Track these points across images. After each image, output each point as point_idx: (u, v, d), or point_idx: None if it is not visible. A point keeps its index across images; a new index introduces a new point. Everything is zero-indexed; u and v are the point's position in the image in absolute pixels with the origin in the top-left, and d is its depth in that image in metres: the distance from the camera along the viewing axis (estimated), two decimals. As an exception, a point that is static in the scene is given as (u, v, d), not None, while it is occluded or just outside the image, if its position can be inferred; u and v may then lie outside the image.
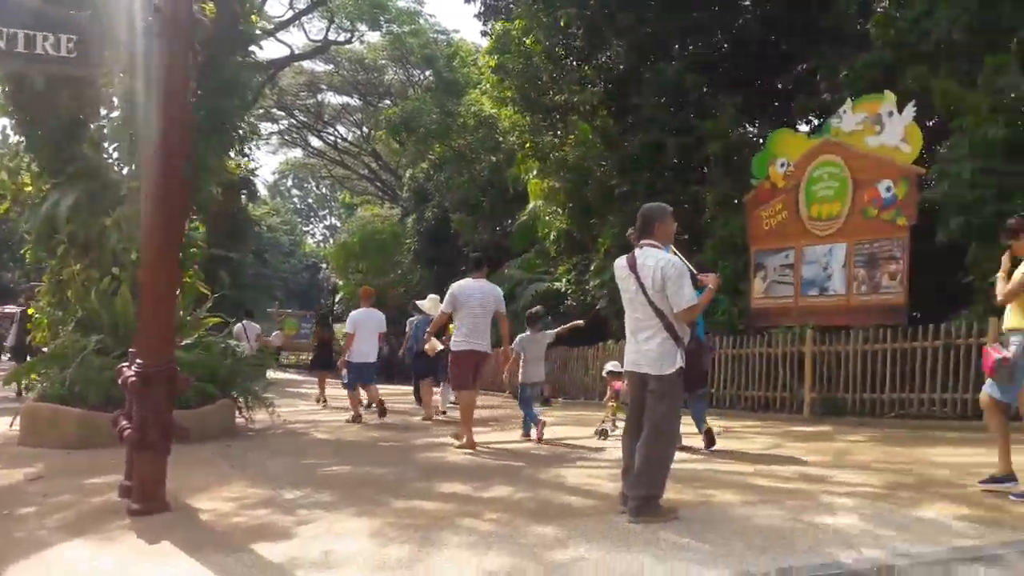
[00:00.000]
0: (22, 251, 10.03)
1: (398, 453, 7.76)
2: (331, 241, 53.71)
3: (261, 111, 39.96)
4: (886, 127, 10.61)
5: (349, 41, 29.32)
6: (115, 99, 9.96)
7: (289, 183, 75.78)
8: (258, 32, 14.34)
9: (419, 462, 7.12)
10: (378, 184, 43.01)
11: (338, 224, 63.55)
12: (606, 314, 15.35)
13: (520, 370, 8.61)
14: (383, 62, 36.38)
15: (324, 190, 70.07)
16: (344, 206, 57.93)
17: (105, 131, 10.05)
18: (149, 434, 4.87)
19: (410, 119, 22.97)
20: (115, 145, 10.13)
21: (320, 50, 28.12)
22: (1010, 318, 5.38)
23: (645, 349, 4.68)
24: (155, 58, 4.96)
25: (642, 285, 4.64)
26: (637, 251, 4.80)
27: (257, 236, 62.73)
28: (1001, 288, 5.28)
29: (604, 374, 9.84)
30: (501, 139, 21.75)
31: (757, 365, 11.84)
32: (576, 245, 16.73)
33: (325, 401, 13.64)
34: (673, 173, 14.31)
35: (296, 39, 32.80)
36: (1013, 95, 9.57)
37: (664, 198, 13.91)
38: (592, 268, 15.71)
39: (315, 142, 44.40)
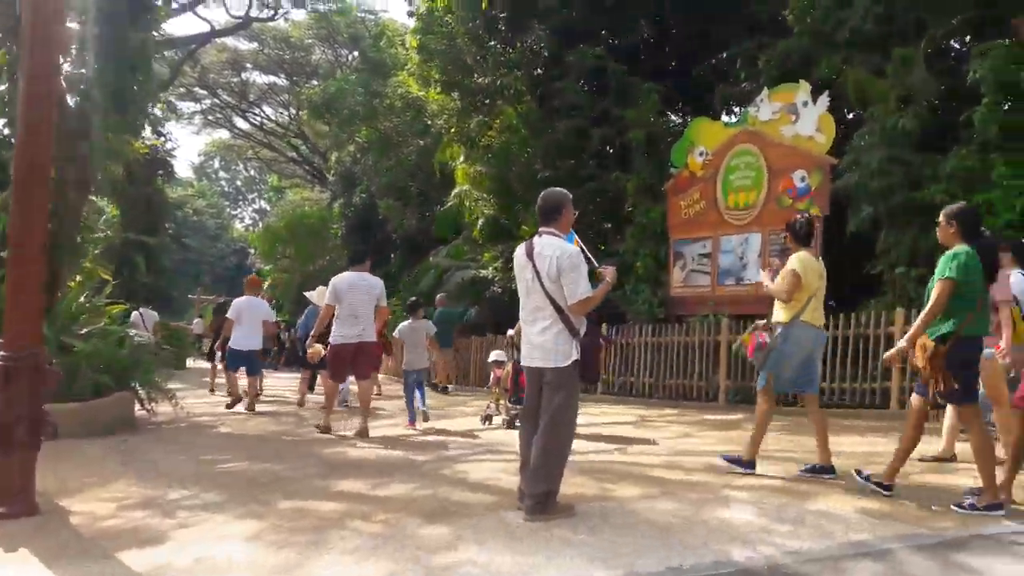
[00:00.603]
0: None
1: (302, 448, 7.50)
2: (260, 225, 52.60)
3: (183, 90, 38.80)
4: (801, 117, 10.73)
5: (272, 18, 28.42)
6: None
7: (216, 165, 73.90)
8: (173, 6, 13.79)
9: (321, 457, 6.88)
10: (307, 167, 42.07)
11: (267, 208, 62.05)
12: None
13: (403, 358, 8.91)
14: (309, 41, 35.52)
15: (253, 172, 68.43)
16: (273, 189, 56.57)
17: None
18: (15, 431, 4.54)
19: (333, 100, 22.38)
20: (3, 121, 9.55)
21: (242, 26, 27.17)
22: (776, 312, 5.73)
23: (540, 341, 4.56)
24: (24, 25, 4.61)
25: (539, 274, 4.51)
26: (536, 239, 4.66)
27: (182, 220, 61.27)
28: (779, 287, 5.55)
29: (489, 361, 10.11)
30: (429, 122, 21.36)
31: (675, 354, 11.90)
32: (503, 231, 16.57)
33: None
34: (596, 160, 14.24)
35: (217, 15, 31.66)
36: (919, 87, 9.76)
37: (587, 185, 14.12)
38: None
39: (241, 123, 43.23)
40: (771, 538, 4.08)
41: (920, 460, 6.01)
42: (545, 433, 4.51)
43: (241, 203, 76.96)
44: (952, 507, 4.64)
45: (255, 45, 36.35)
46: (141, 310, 14.36)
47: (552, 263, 4.44)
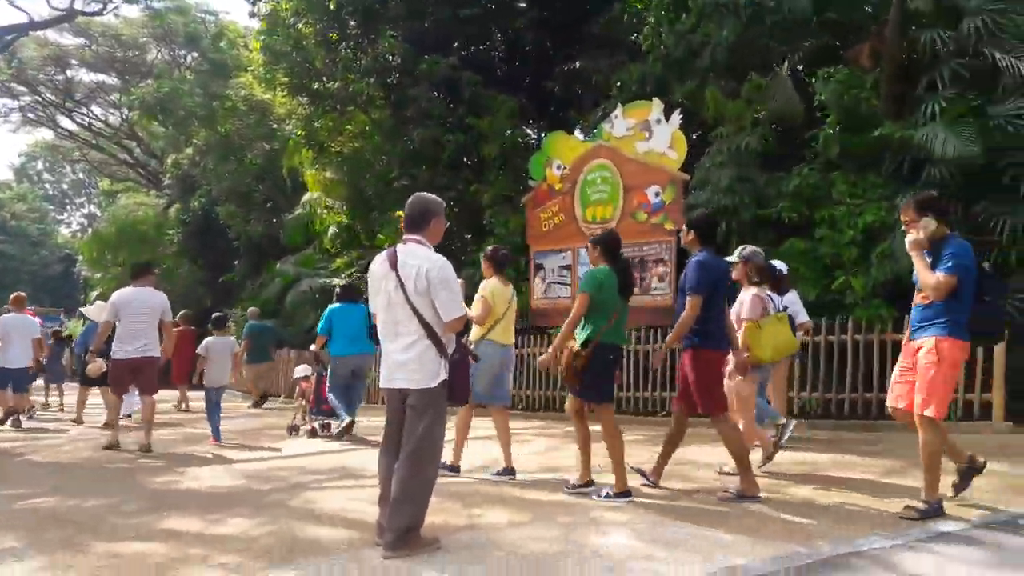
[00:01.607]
0: None
1: (123, 477, 6.69)
2: (89, 232, 48.66)
3: (-1, 84, 35.29)
4: (655, 133, 10.88)
5: (101, 12, 26.28)
6: None
7: (40, 167, 68.07)
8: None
9: (148, 488, 6.16)
10: (140, 170, 39.20)
11: (98, 213, 57.59)
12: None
13: (205, 373, 8.92)
14: (144, 40, 33.20)
15: (81, 176, 63.48)
16: (104, 194, 52.63)
17: None
18: None
19: (167, 100, 20.88)
20: None
21: (65, 19, 24.96)
22: (472, 331, 6.26)
23: (403, 360, 4.17)
24: None
25: (403, 285, 4.13)
26: (399, 247, 4.27)
27: (2, 224, 55.81)
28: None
29: (295, 377, 10.64)
30: (276, 126, 20.42)
31: (528, 366, 11.77)
32: (356, 239, 15.94)
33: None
34: (453, 170, 13.97)
35: (37, 6, 28.88)
36: (764, 111, 10.15)
37: (443, 194, 13.68)
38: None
39: (67, 123, 39.77)
40: (649, 563, 3.87)
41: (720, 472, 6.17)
42: (409, 462, 4.11)
43: (68, 208, 71.29)
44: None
45: (82, 41, 33.59)
46: None
47: (420, 274, 4.08)
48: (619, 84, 11.87)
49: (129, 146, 38.57)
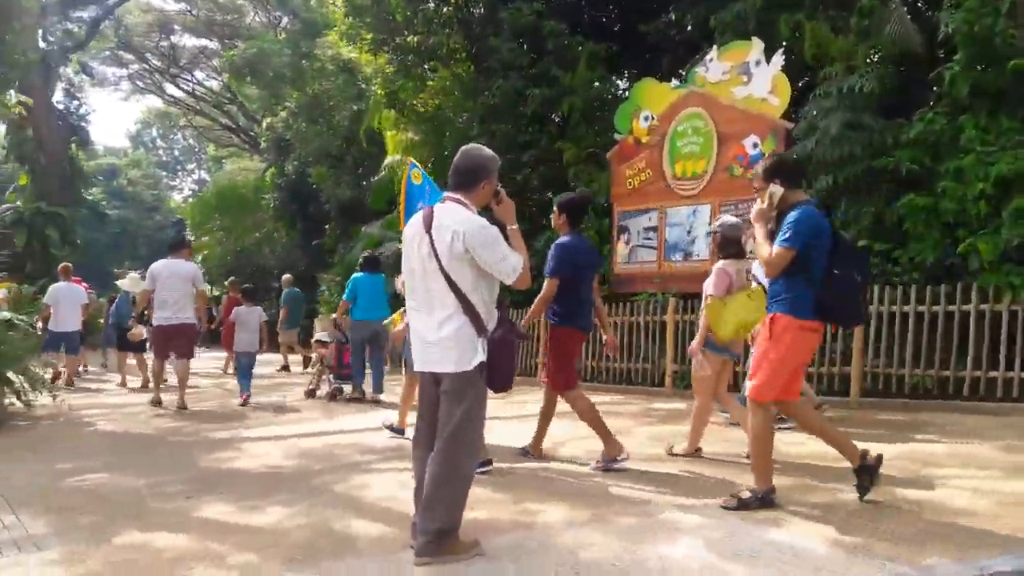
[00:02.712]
0: None
1: (181, 453, 6.42)
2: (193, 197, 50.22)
3: (107, 53, 36.53)
4: (754, 77, 9.83)
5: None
6: None
7: (153, 133, 70.84)
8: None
9: (198, 466, 5.87)
10: (242, 135, 40.04)
11: (207, 178, 59.56)
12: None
13: (236, 340, 9.76)
14: (241, 2, 33.56)
15: (191, 141, 65.70)
16: (212, 159, 54.30)
17: None
18: None
19: (256, 61, 20.78)
20: None
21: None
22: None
23: (437, 338, 3.59)
24: None
25: (436, 251, 3.53)
26: (438, 207, 3.66)
27: (116, 190, 58.58)
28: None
29: (313, 341, 11.05)
30: (364, 86, 20.05)
31: (619, 335, 11.05)
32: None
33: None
34: (536, 125, 13.23)
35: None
36: (881, 48, 8.96)
37: (525, 152, 13.13)
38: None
39: (172, 89, 40.93)
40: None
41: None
42: (442, 456, 3.56)
43: (180, 173, 74.13)
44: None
45: (183, 6, 34.35)
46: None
47: (457, 238, 3.47)
48: (714, 24, 10.77)
49: (231, 111, 39.41)
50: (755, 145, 9.80)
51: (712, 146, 10.27)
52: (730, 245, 5.72)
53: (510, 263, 3.53)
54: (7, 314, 9.62)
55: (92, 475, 5.53)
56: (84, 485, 5.25)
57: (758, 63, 9.78)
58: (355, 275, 9.61)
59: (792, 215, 4.14)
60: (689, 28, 11.89)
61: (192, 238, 36.19)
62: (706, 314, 5.47)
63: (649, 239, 11.13)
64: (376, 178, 16.91)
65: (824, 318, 4.23)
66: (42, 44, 21.68)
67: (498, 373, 3.64)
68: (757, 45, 9.82)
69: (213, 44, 36.45)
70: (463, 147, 3.83)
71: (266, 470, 5.70)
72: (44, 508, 4.61)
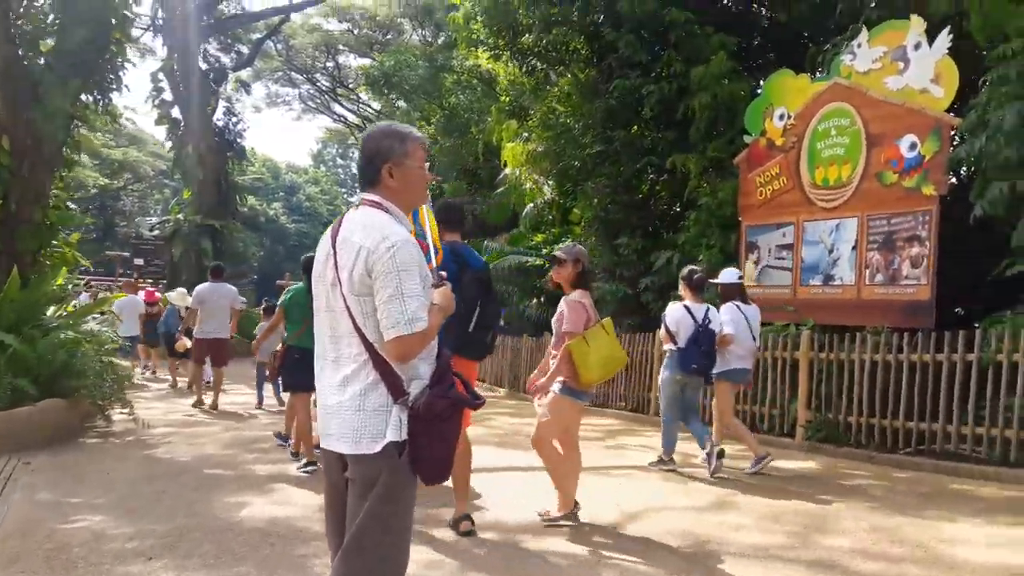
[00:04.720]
0: None
1: (200, 496, 5.62)
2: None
3: (280, 73, 38.44)
4: (912, 63, 7.94)
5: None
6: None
7: (333, 152, 74.93)
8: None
9: (208, 520, 4.99)
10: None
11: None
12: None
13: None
14: (400, 20, 34.05)
15: (368, 159, 68.74)
16: (382, 175, 56.20)
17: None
18: None
19: (392, 74, 20.53)
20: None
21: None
22: None
23: (337, 403, 2.41)
24: None
25: (339, 278, 2.40)
26: (350, 212, 2.51)
27: (295, 205, 62.21)
28: None
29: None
30: (503, 97, 19.35)
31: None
32: (560, 216, 14.35)
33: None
34: (655, 127, 11.77)
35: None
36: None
37: (641, 159, 11.66)
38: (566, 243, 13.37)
39: (339, 108, 42.42)
40: None
41: None
42: (345, 565, 2.39)
43: (357, 190, 77.79)
44: None
45: (346, 26, 35.31)
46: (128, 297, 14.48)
47: (360, 259, 2.33)
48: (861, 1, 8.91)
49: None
50: (912, 146, 7.92)
51: (859, 148, 8.46)
52: (587, 273, 4.99)
53: (406, 310, 2.30)
54: (92, 326, 9.56)
55: (84, 516, 4.93)
56: (64, 528, 4.65)
57: (917, 46, 7.90)
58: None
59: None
60: (838, 11, 9.91)
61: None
62: (567, 356, 4.66)
63: (782, 259, 9.41)
64: (495, 193, 16.00)
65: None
66: (203, 64, 22.57)
67: (426, 456, 2.39)
68: (916, 24, 7.94)
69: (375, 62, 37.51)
70: (373, 127, 2.66)
71: (287, 528, 4.77)
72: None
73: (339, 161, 76.45)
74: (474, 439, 8.15)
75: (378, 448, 2.32)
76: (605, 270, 12.32)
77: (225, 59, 25.27)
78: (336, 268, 2.40)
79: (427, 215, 3.50)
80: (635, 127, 11.79)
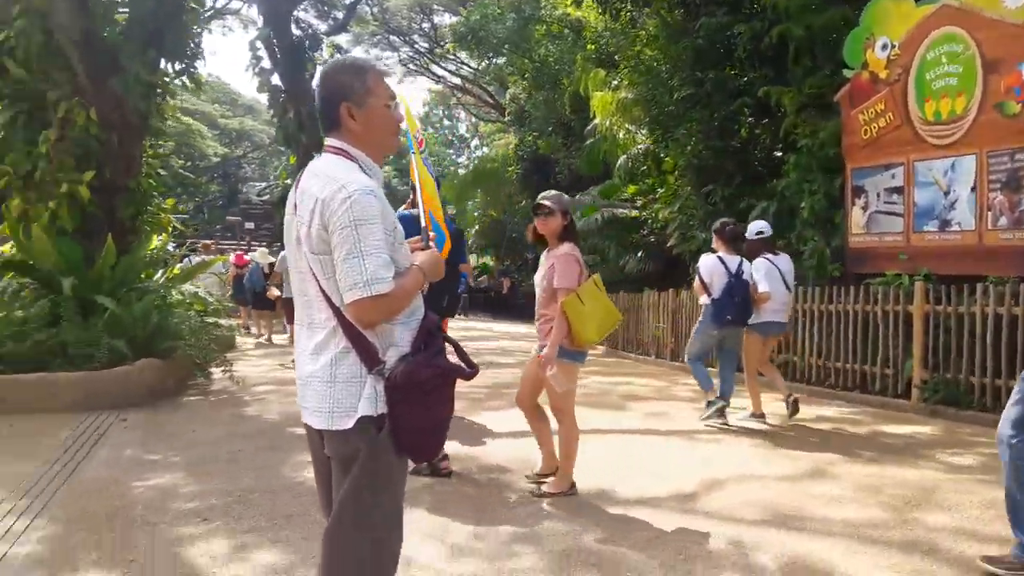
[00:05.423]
0: None
1: (293, 449, 5.71)
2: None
3: (378, 38, 38.53)
4: (1037, -27, 6.95)
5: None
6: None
7: (440, 114, 75.38)
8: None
9: (284, 474, 5.07)
10: (499, 110, 40.25)
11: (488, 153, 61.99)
12: (680, 252, 12.44)
13: None
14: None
15: (474, 119, 68.81)
16: (487, 135, 56.24)
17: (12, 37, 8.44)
18: None
19: (478, 28, 20.02)
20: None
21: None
22: None
23: (310, 373, 2.18)
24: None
25: (299, 236, 2.17)
26: (311, 165, 2.22)
27: (404, 167, 63.30)
28: None
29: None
30: (587, 46, 18.68)
31: (850, 328, 8.69)
32: (659, 166, 13.68)
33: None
34: (747, 67, 10.92)
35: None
36: None
37: (734, 102, 10.89)
38: (659, 193, 12.74)
39: (439, 69, 42.23)
40: None
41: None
42: (329, 546, 2.19)
43: (465, 150, 78.15)
44: None
45: (439, -17, 34.92)
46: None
47: (316, 212, 2.07)
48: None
49: (494, 88, 39.62)
50: (1038, 69, 6.95)
51: (975, 77, 7.51)
52: (574, 225, 4.57)
53: (366, 269, 2.00)
54: (192, 287, 9.91)
55: (158, 475, 5.05)
56: (135, 487, 4.76)
57: (1044, -49, 6.88)
58: None
59: None
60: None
61: (452, 212, 37.75)
62: (563, 315, 4.27)
63: (893, 203, 8.57)
64: (585, 144, 15.46)
65: None
66: (297, 31, 22.90)
67: (408, 431, 2.13)
68: (1043, -76, 6.90)
69: (473, 20, 36.89)
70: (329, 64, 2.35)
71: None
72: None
73: (445, 123, 76.84)
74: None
75: (351, 424, 2.08)
76: (701, 221, 11.68)
77: (320, 25, 25.45)
78: (298, 224, 2.16)
79: (416, 172, 3.22)
80: (727, 67, 10.97)
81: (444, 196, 27.91)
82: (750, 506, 4.44)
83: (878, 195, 8.71)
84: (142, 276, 9.09)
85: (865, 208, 8.88)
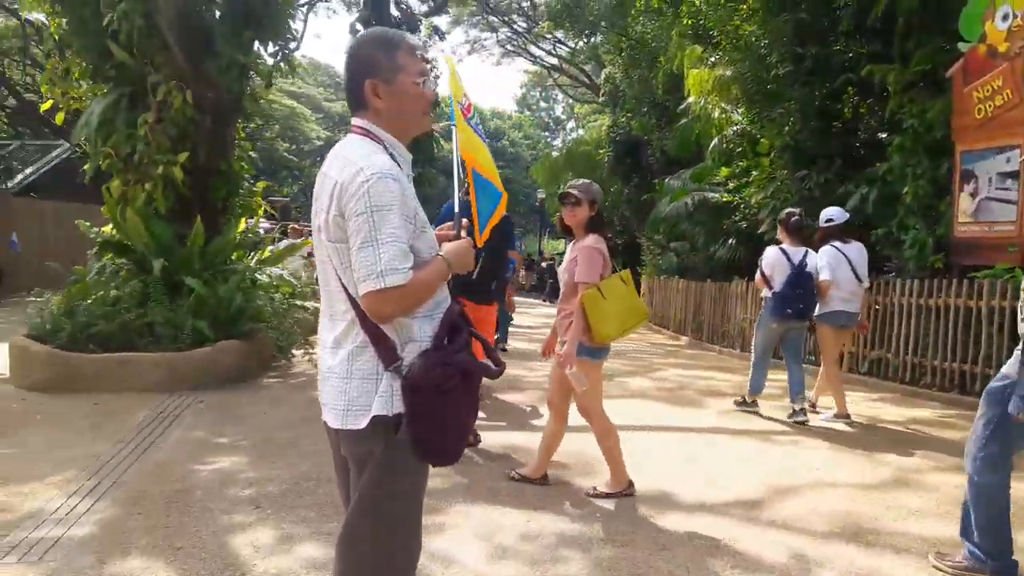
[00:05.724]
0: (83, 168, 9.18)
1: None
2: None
3: (478, 18, 38.55)
4: None
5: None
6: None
7: (536, 95, 75.06)
8: None
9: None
10: (595, 91, 39.60)
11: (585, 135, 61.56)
12: (772, 239, 11.82)
13: None
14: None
15: (571, 100, 68.43)
16: (584, 116, 55.78)
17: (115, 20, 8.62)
18: None
19: (574, 5, 19.54)
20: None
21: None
22: None
23: (328, 368, 2.04)
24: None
25: (319, 223, 2.02)
26: (339, 144, 2.09)
27: (500, 150, 63.51)
28: None
29: None
30: (683, 21, 18.02)
31: (952, 324, 8.04)
32: (755, 148, 13.07)
33: None
34: (851, 41, 10.21)
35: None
36: None
37: (838, 77, 10.22)
38: (753, 177, 12.12)
39: (536, 50, 41.91)
40: None
41: None
42: (343, 547, 2.07)
43: (561, 132, 77.73)
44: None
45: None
46: None
47: (335, 198, 1.93)
48: None
49: (591, 68, 39.07)
50: None
51: (1109, 48, 6.76)
52: (602, 216, 4.30)
53: (380, 259, 1.85)
54: (278, 270, 10.01)
55: (221, 457, 5.06)
56: (197, 470, 4.78)
57: None
58: None
59: None
60: None
61: (541, 195, 37.49)
62: (581, 310, 4.04)
63: (1006, 189, 7.87)
64: (680, 124, 14.92)
65: None
66: (395, 12, 23.11)
67: (426, 434, 1.97)
68: None
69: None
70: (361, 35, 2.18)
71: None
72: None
73: (542, 104, 76.46)
74: (639, 392, 7.75)
75: (364, 424, 1.94)
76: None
77: (420, 7, 25.65)
78: (317, 211, 2.01)
79: (459, 145, 2.99)
80: (831, 42, 10.29)
81: (534, 180, 27.91)
82: (820, 516, 4.13)
83: (990, 180, 8.00)
84: (232, 258, 9.16)
85: (974, 194, 8.17)
